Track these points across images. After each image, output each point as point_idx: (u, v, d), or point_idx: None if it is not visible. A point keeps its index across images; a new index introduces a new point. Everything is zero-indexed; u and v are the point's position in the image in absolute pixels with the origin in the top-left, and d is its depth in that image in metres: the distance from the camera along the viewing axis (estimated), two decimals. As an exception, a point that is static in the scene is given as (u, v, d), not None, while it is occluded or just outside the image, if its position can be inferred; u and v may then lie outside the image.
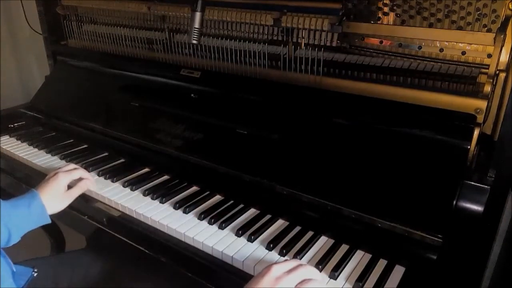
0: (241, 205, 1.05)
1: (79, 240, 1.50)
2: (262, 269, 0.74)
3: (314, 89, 1.14)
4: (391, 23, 1.09)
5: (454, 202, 0.85)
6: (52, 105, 1.60)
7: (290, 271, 0.73)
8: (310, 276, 0.75)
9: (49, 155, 1.35)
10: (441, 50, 1.05)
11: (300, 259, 0.86)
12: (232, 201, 1.06)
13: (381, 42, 1.11)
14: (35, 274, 0.98)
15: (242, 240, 0.92)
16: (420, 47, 1.07)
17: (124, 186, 1.14)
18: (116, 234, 1.05)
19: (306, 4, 1.12)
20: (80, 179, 1.11)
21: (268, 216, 1.01)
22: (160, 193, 1.08)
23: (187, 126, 1.24)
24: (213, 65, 1.33)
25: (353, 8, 1.12)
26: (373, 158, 0.96)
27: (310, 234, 0.94)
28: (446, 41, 1.03)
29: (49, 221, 1.00)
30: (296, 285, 0.72)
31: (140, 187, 1.13)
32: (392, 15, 1.09)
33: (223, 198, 1.09)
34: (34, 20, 1.83)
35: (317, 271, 0.78)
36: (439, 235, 0.81)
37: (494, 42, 0.92)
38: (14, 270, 0.84)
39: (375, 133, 0.99)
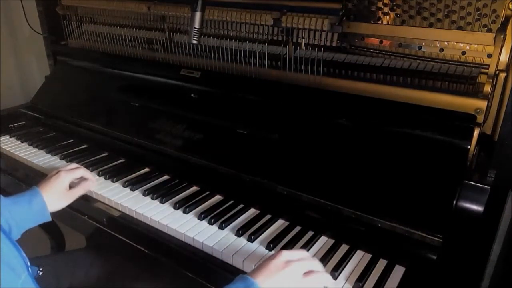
0: (241, 205, 1.05)
1: (79, 240, 1.50)
2: (271, 255, 0.75)
3: (314, 89, 1.14)
4: (391, 23, 1.09)
5: (454, 202, 0.85)
6: (52, 105, 1.60)
7: (299, 259, 0.74)
8: (318, 270, 0.75)
9: (49, 155, 1.35)
10: (441, 50, 1.05)
11: (300, 259, 0.86)
12: (232, 201, 1.06)
13: (381, 42, 1.11)
14: (40, 273, 0.98)
15: (242, 240, 0.92)
16: (420, 47, 1.07)
17: (124, 186, 1.14)
18: (116, 234, 1.05)
19: (306, 4, 1.12)
20: (82, 178, 1.11)
21: (268, 216, 1.01)
22: (160, 193, 1.08)
23: (187, 126, 1.24)
24: (213, 65, 1.33)
25: (353, 8, 1.12)
26: (373, 158, 0.96)
27: (310, 234, 0.94)
28: (446, 41, 1.03)
29: (49, 218, 1.00)
30: (304, 273, 0.73)
31: (140, 187, 1.13)
32: (392, 15, 1.09)
33: (223, 198, 1.08)
34: (34, 20, 1.83)
35: (322, 268, 0.77)
36: (439, 235, 0.81)
37: (494, 42, 0.92)
38: (29, 264, 0.84)
39: (375, 133, 0.99)
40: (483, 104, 0.92)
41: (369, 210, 0.89)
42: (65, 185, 1.05)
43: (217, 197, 1.09)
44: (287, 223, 0.99)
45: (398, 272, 0.83)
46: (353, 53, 1.15)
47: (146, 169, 1.24)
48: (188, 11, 1.29)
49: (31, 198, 0.97)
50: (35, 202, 0.97)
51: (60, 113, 1.53)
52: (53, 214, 1.02)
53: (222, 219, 0.98)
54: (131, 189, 1.12)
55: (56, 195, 1.02)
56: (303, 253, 0.77)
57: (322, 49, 1.11)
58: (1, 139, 1.47)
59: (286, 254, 0.74)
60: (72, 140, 1.45)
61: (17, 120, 1.60)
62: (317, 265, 0.76)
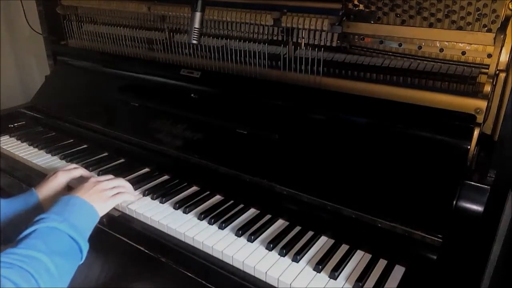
0: (241, 205, 1.05)
1: (79, 240, 1.49)
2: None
3: (314, 89, 1.14)
4: (391, 23, 1.09)
5: (454, 202, 0.85)
6: (52, 105, 1.60)
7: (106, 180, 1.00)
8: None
9: (49, 155, 1.35)
10: (441, 50, 1.05)
11: (300, 259, 0.86)
12: (232, 201, 1.06)
13: (381, 42, 1.11)
14: None
15: (242, 240, 0.92)
16: (420, 47, 1.07)
17: (124, 186, 1.14)
18: (116, 234, 1.05)
19: (306, 4, 1.12)
20: (82, 178, 1.11)
21: (268, 216, 1.01)
22: (160, 193, 1.08)
23: (187, 126, 1.24)
24: (213, 65, 1.33)
25: (353, 8, 1.12)
26: (373, 158, 0.96)
27: (310, 234, 0.94)
28: (446, 41, 1.03)
29: None
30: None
31: (140, 187, 1.12)
32: (392, 15, 1.09)
33: (223, 198, 1.08)
34: (34, 20, 1.83)
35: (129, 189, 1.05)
36: (439, 235, 0.81)
37: (494, 42, 0.92)
38: None
39: (375, 133, 0.99)
40: (483, 104, 0.92)
41: (369, 210, 0.89)
42: (63, 185, 1.04)
43: (217, 197, 1.09)
44: (287, 223, 0.99)
45: (398, 272, 0.83)
46: (353, 53, 1.15)
47: (146, 169, 1.24)
48: (188, 11, 1.29)
49: (27, 199, 0.97)
50: (31, 203, 0.97)
51: (60, 113, 1.53)
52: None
53: (222, 219, 0.98)
54: (131, 189, 1.12)
55: (53, 196, 1.01)
56: (110, 177, 1.03)
57: (322, 49, 1.11)
58: (1, 139, 1.47)
59: (95, 178, 0.99)
60: (72, 140, 1.45)
61: (17, 120, 1.60)
62: (123, 187, 1.02)
